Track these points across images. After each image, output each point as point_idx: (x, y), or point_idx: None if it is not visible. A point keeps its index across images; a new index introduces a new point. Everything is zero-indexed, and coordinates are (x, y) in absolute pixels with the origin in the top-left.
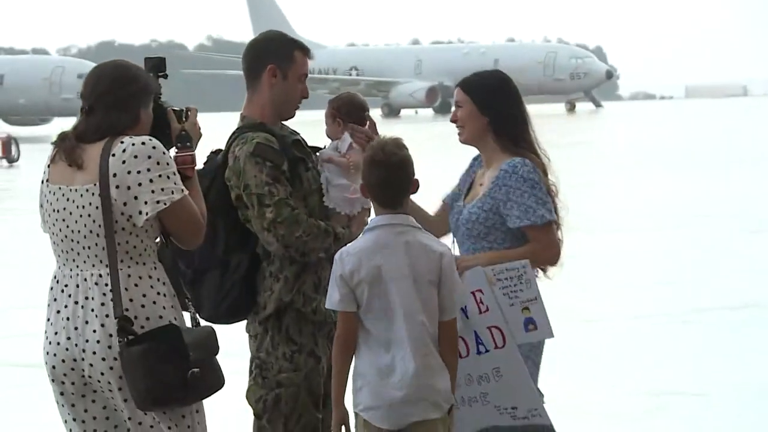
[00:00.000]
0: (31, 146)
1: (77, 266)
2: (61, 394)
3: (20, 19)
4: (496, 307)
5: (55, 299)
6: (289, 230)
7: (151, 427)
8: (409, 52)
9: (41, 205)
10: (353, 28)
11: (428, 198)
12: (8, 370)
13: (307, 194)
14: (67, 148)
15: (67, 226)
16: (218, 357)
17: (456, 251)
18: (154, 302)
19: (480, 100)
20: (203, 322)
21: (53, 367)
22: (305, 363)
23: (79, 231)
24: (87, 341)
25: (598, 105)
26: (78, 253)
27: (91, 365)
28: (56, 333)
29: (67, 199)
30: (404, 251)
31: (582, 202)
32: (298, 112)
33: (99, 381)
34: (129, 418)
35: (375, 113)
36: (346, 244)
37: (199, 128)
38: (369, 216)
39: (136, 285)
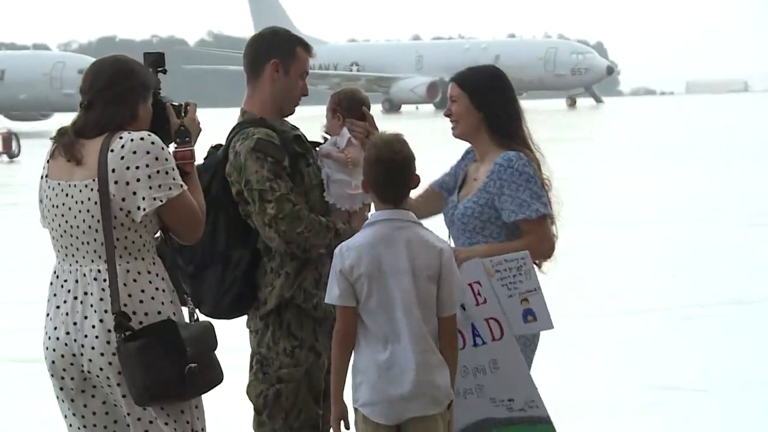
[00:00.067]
0: (31, 142)
1: (76, 261)
2: (61, 389)
3: (21, 15)
4: (494, 299)
5: (54, 294)
6: (290, 226)
7: (150, 422)
8: (410, 47)
9: (41, 201)
10: (354, 23)
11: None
12: (8, 365)
13: (308, 190)
14: (66, 144)
15: (66, 222)
16: (218, 352)
17: (451, 245)
18: (153, 297)
19: (475, 94)
20: (203, 318)
21: (53, 362)
22: (306, 358)
23: (77, 226)
24: (86, 336)
25: (598, 100)
26: (77, 249)
27: (90, 360)
28: (55, 328)
29: (66, 195)
30: (404, 246)
31: (582, 196)
32: (298, 108)
33: (98, 376)
34: (128, 414)
35: (376, 109)
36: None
37: (199, 123)
38: (369, 211)
39: (134, 280)
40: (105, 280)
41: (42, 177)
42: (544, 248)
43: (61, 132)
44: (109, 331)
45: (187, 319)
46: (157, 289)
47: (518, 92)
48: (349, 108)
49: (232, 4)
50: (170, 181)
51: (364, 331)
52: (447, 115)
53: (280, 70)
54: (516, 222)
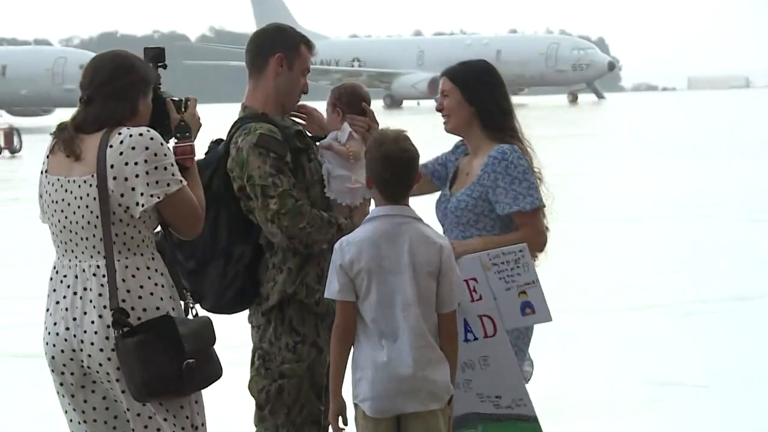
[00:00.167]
0: (33, 137)
1: (76, 257)
2: (61, 384)
3: (22, 10)
4: (489, 296)
5: (54, 290)
6: (292, 222)
7: (150, 418)
8: (412, 43)
9: (40, 196)
10: (355, 19)
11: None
12: (9, 360)
13: (310, 185)
14: (65, 139)
15: (66, 217)
16: (218, 348)
17: None
18: (152, 293)
19: (467, 89)
20: (203, 313)
21: (53, 357)
22: (308, 354)
23: (77, 222)
24: (85, 332)
25: (600, 96)
26: (76, 244)
27: (90, 356)
28: (55, 323)
29: (66, 190)
30: (405, 242)
31: (584, 192)
32: (300, 104)
33: (98, 372)
34: (128, 409)
35: (377, 104)
36: None
37: (199, 119)
38: (370, 206)
39: (133, 276)
40: (104, 276)
41: (42, 172)
42: (538, 241)
43: (61, 127)
44: (108, 326)
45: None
46: (156, 284)
47: (520, 88)
48: (349, 103)
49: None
50: (169, 176)
51: (363, 326)
52: (439, 110)
53: (284, 65)
54: (510, 214)
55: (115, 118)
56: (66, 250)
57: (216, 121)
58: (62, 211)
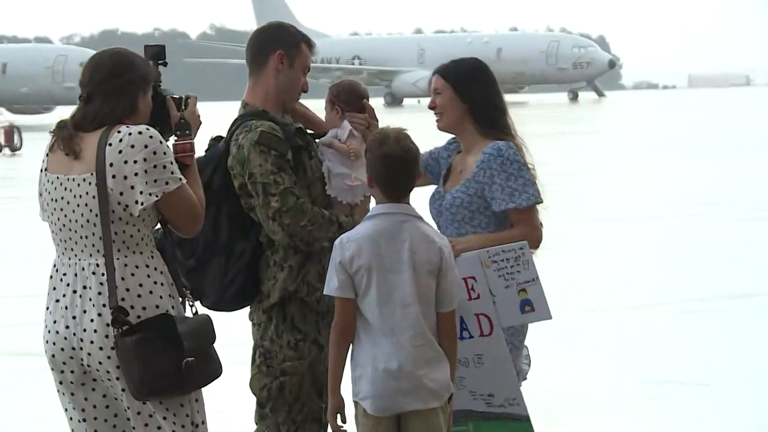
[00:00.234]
0: (33, 135)
1: (75, 255)
2: (61, 382)
3: (23, 8)
4: (487, 295)
5: (54, 288)
6: (294, 219)
7: (150, 416)
8: (412, 41)
9: (40, 194)
10: (356, 17)
11: (430, 188)
12: (9, 358)
13: (311, 183)
14: (65, 137)
15: (65, 216)
16: (218, 347)
17: None
18: (151, 292)
19: (459, 86)
20: (204, 311)
21: (53, 355)
22: (309, 351)
23: (76, 220)
24: (85, 330)
25: (600, 94)
26: (76, 243)
27: (89, 354)
28: (55, 322)
29: (65, 189)
30: (405, 240)
31: (584, 190)
32: (300, 102)
33: (98, 370)
34: (128, 407)
35: (378, 102)
36: None
37: (199, 116)
38: (370, 204)
39: (132, 274)
40: (103, 275)
41: (41, 170)
42: (534, 237)
43: (61, 125)
44: (108, 325)
45: (187, 313)
46: (155, 282)
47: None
48: (347, 101)
49: None
50: (168, 175)
51: (363, 324)
52: (431, 108)
53: (285, 62)
54: (506, 211)
55: (115, 115)
56: (66, 249)
57: (216, 118)
58: (62, 209)
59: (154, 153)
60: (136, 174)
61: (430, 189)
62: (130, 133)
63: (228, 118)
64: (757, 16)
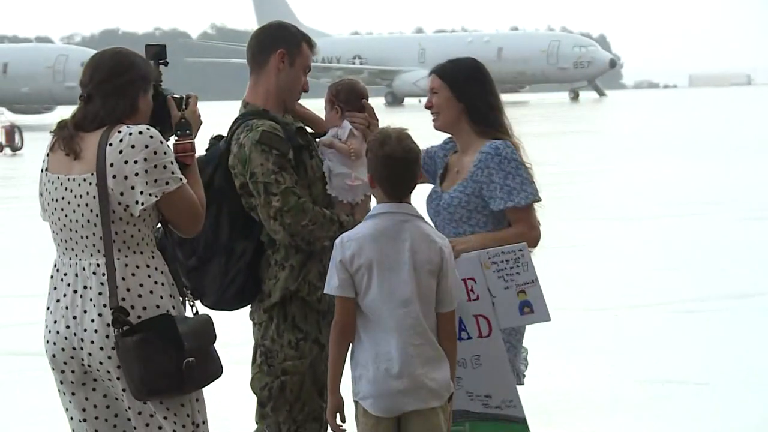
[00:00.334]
0: (34, 135)
1: (76, 255)
2: (62, 382)
3: (24, 8)
4: (486, 297)
5: (54, 288)
6: (295, 219)
7: (151, 416)
8: (413, 40)
9: (41, 194)
10: (357, 16)
11: (427, 188)
12: (9, 358)
13: (312, 182)
14: (65, 137)
15: (66, 216)
16: (219, 347)
17: None
18: (152, 291)
19: (455, 86)
20: (204, 310)
21: (53, 355)
22: (310, 351)
23: (76, 220)
24: (85, 330)
25: (601, 94)
26: (76, 243)
27: (90, 354)
28: (55, 321)
29: (66, 189)
30: (406, 240)
31: (584, 189)
32: (301, 101)
33: (98, 370)
34: (129, 407)
35: (378, 102)
36: None
37: (199, 116)
38: (371, 203)
39: (133, 274)
40: (104, 275)
41: (42, 170)
42: (532, 236)
43: (61, 125)
44: (108, 325)
45: (188, 313)
46: (156, 282)
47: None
48: (347, 100)
49: None
50: (168, 175)
51: (363, 323)
52: (428, 107)
53: (286, 61)
54: (504, 210)
55: (116, 115)
56: (66, 249)
57: (217, 118)
58: (62, 209)
59: (155, 153)
60: (136, 174)
61: (427, 188)
62: (130, 133)
63: (229, 118)
64: (758, 16)
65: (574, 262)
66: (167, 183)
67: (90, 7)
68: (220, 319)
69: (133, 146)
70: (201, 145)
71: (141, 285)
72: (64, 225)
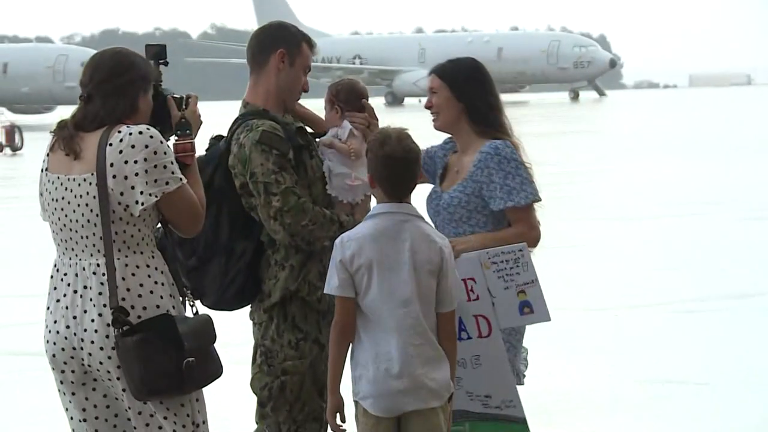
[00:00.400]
0: (34, 135)
1: (76, 255)
2: (62, 382)
3: (24, 7)
4: (486, 297)
5: (54, 288)
6: (295, 219)
7: (151, 416)
8: (413, 40)
9: (41, 194)
10: (357, 16)
11: (427, 188)
12: (9, 358)
13: (312, 182)
14: (65, 137)
15: (66, 215)
16: (219, 347)
17: None
18: (152, 291)
19: (455, 86)
20: (204, 310)
21: (53, 355)
22: (310, 351)
23: (77, 220)
24: (85, 330)
25: (601, 93)
26: (76, 243)
27: (90, 354)
28: (56, 321)
29: (66, 189)
30: (406, 239)
31: (584, 189)
32: (301, 101)
33: (98, 370)
34: (129, 407)
35: (378, 102)
36: None
37: (199, 116)
38: (371, 203)
39: (133, 274)
40: (104, 275)
41: (42, 170)
42: (532, 236)
43: (61, 125)
44: (108, 325)
45: (188, 313)
46: (156, 282)
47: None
48: (347, 100)
49: None
50: (169, 175)
51: (363, 323)
52: (428, 107)
53: (286, 61)
54: (504, 210)
55: (116, 115)
56: (66, 249)
57: (217, 118)
58: (62, 209)
59: (155, 153)
60: (136, 174)
61: (427, 188)
62: (130, 133)
63: (229, 118)
64: (758, 16)
65: (574, 262)
66: (167, 183)
67: (90, 7)
68: (220, 319)
69: (133, 146)
70: (201, 145)
71: (141, 285)
72: (64, 225)
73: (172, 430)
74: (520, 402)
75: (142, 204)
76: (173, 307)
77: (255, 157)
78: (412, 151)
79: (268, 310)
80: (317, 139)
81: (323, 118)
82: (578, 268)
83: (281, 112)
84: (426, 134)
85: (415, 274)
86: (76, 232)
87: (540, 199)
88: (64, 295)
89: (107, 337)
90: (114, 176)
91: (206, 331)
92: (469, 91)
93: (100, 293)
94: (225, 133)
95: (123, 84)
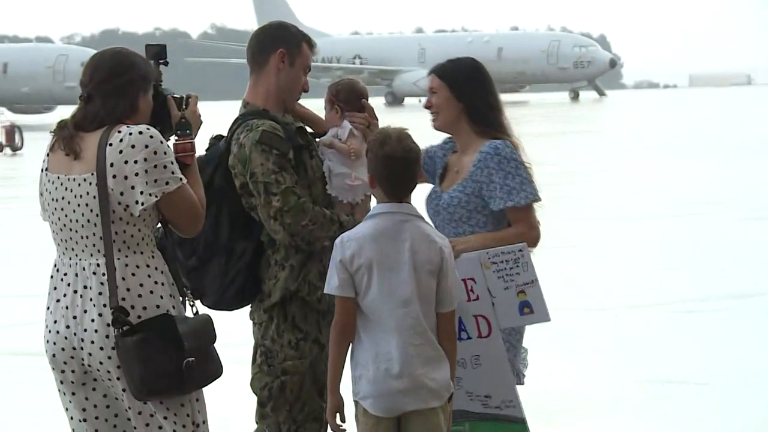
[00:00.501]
0: (34, 134)
1: (76, 255)
2: (62, 382)
3: (24, 7)
4: (486, 297)
5: (54, 288)
6: (295, 219)
7: (151, 416)
8: (413, 40)
9: (41, 194)
10: (357, 16)
11: (426, 188)
12: (9, 358)
13: (312, 182)
14: (65, 137)
15: (66, 215)
16: (219, 346)
17: None
18: (152, 291)
19: (455, 85)
20: (204, 310)
21: (53, 355)
22: (310, 351)
23: (77, 220)
24: (85, 330)
25: (601, 93)
26: (76, 243)
27: (90, 354)
28: (56, 321)
29: (66, 189)
30: (406, 239)
31: (584, 189)
32: (301, 101)
33: (98, 370)
34: (129, 407)
35: (378, 102)
36: None
37: (199, 116)
38: (371, 203)
39: (133, 274)
40: (104, 275)
41: (42, 170)
42: (532, 236)
43: (61, 125)
44: (108, 325)
45: (188, 313)
46: (156, 282)
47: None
48: (347, 100)
49: None
50: (169, 175)
51: (363, 323)
52: (427, 107)
53: (286, 61)
54: (504, 210)
55: (116, 115)
56: (66, 248)
57: (217, 118)
58: (62, 209)
59: (155, 153)
60: (136, 174)
61: (427, 188)
62: (130, 133)
63: (229, 118)
64: (758, 16)
65: (574, 262)
66: (167, 183)
67: (90, 7)
68: (220, 319)
69: (133, 146)
70: (201, 145)
71: (141, 285)
72: (64, 225)
73: (172, 430)
74: (519, 402)
75: (142, 204)
76: (173, 307)
77: (255, 157)
78: (412, 151)
79: (268, 310)
80: (317, 139)
81: (323, 118)
82: (578, 268)
83: (281, 112)
84: (426, 134)
85: (415, 274)
86: (76, 232)
87: (540, 199)
88: (64, 295)
89: (107, 337)
90: (114, 176)
91: (206, 331)
92: (468, 91)
93: (100, 293)
94: (225, 133)
95: (123, 84)
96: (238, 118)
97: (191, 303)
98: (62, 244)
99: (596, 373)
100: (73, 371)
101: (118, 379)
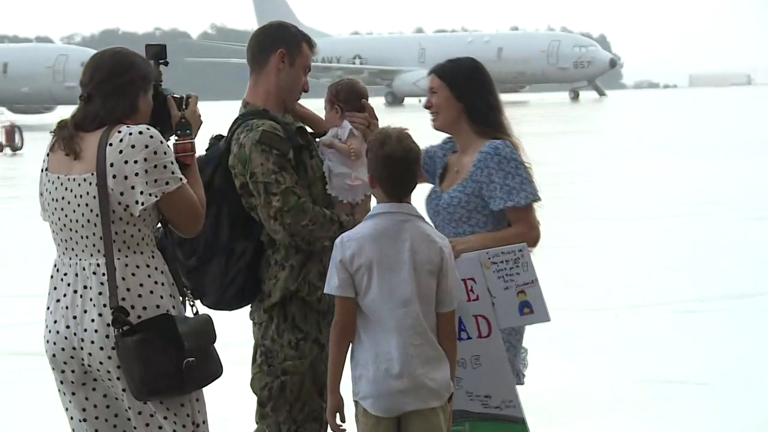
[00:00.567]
0: (34, 134)
1: (76, 255)
2: (62, 382)
3: (24, 7)
4: (486, 298)
5: (54, 288)
6: (295, 219)
7: (151, 416)
8: (413, 40)
9: (41, 194)
10: (357, 16)
11: (426, 188)
12: (9, 358)
13: (312, 182)
14: (65, 137)
15: (66, 215)
16: (219, 346)
17: None
18: (152, 291)
19: (455, 85)
20: (204, 310)
21: (53, 355)
22: (310, 351)
23: (77, 220)
24: (85, 330)
25: (601, 93)
26: (76, 242)
27: (90, 354)
28: (56, 321)
29: (66, 189)
30: (406, 239)
31: (584, 189)
32: (301, 101)
33: (98, 370)
34: (129, 407)
35: (378, 102)
36: None
37: (200, 116)
38: (371, 203)
39: (133, 274)
40: (104, 275)
41: (42, 170)
42: (532, 236)
43: (61, 125)
44: (108, 325)
45: (188, 313)
46: (156, 282)
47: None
48: (347, 100)
49: None
50: (169, 175)
51: (363, 323)
52: (427, 107)
53: (286, 61)
54: (504, 210)
55: (116, 115)
56: (66, 248)
57: (217, 118)
58: (62, 209)
59: (155, 153)
60: (136, 174)
61: (427, 188)
62: (130, 133)
63: (229, 118)
64: (758, 16)
65: (574, 262)
66: (167, 183)
67: (90, 7)
68: (220, 319)
69: (133, 146)
70: (201, 145)
71: (141, 285)
72: (64, 225)
73: (172, 430)
74: (519, 402)
75: (142, 204)
76: (173, 307)
77: (255, 157)
78: (412, 151)
79: (268, 310)
80: (317, 139)
81: (323, 118)
82: (578, 268)
83: (281, 112)
84: (426, 134)
85: (415, 274)
86: (76, 232)
87: (540, 199)
88: (64, 295)
89: (107, 337)
90: (114, 176)
91: (206, 331)
92: (468, 91)
93: (100, 293)
94: (225, 133)
95: (123, 84)
96: (238, 118)
97: (191, 303)
98: (62, 244)
99: (596, 373)
100: (73, 371)
101: (118, 379)
